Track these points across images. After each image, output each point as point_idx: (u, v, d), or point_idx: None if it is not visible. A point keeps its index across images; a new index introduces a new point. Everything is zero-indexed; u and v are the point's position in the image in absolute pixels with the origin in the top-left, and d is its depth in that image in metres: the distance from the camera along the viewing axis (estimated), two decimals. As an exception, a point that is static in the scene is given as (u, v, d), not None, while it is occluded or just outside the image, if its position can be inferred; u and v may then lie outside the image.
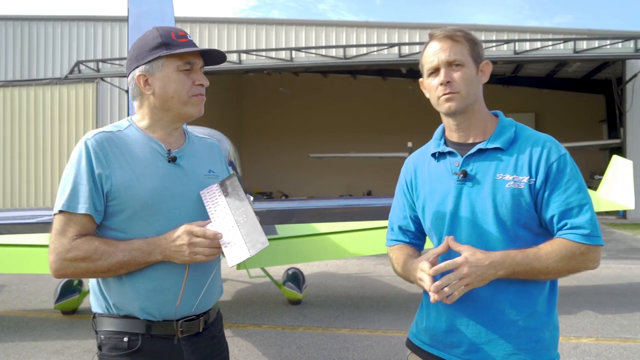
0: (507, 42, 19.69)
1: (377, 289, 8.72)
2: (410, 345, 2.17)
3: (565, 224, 1.89)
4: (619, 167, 7.80)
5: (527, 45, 20.08)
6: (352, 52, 21.42)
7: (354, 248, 7.81)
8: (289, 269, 7.92)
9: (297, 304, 7.61)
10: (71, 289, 7.13)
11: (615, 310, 7.06)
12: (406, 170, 2.24)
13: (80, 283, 7.31)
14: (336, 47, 21.75)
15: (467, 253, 1.84)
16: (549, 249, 1.86)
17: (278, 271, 8.16)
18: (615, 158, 8.11)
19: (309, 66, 22.22)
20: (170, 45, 2.02)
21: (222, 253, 1.92)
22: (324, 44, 23.27)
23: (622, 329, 6.36)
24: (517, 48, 19.42)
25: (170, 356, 2.01)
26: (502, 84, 28.85)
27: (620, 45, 19.91)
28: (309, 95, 34.07)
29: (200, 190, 2.06)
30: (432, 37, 2.02)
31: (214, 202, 2.01)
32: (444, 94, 1.98)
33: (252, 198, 2.03)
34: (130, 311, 1.99)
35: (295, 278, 7.70)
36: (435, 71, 2.01)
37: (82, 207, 1.92)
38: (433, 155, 2.13)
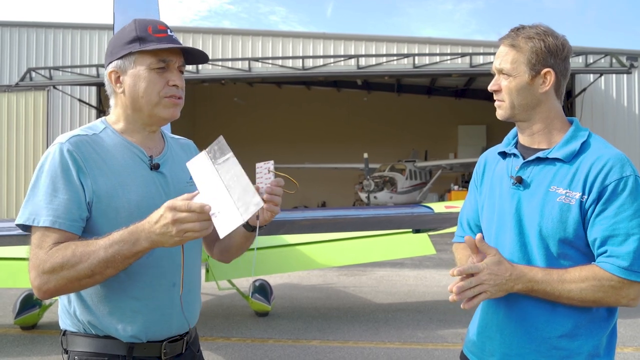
0: (463, 55, 20.12)
1: (343, 300, 8.69)
2: (461, 355, 2.14)
3: (605, 251, 1.76)
4: None
5: (480, 59, 20.47)
6: (309, 63, 21.47)
7: (321, 259, 7.81)
8: (255, 281, 7.82)
9: (265, 315, 7.53)
10: (31, 304, 6.86)
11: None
12: (478, 164, 2.20)
13: (41, 297, 7.02)
14: (294, 57, 21.77)
15: (491, 259, 1.78)
16: (576, 275, 1.77)
17: (241, 282, 8.07)
18: None
19: (267, 76, 22.15)
20: (144, 40, 1.85)
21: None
22: (280, 55, 23.27)
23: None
24: (472, 61, 19.79)
25: None
26: (455, 96, 29.48)
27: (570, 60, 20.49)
28: (263, 106, 34.00)
29: (186, 162, 1.85)
30: (501, 39, 1.99)
31: (201, 171, 1.78)
32: (495, 100, 2.01)
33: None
34: (110, 332, 1.83)
35: (263, 289, 7.61)
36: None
37: (59, 222, 1.74)
38: (500, 153, 2.10)
